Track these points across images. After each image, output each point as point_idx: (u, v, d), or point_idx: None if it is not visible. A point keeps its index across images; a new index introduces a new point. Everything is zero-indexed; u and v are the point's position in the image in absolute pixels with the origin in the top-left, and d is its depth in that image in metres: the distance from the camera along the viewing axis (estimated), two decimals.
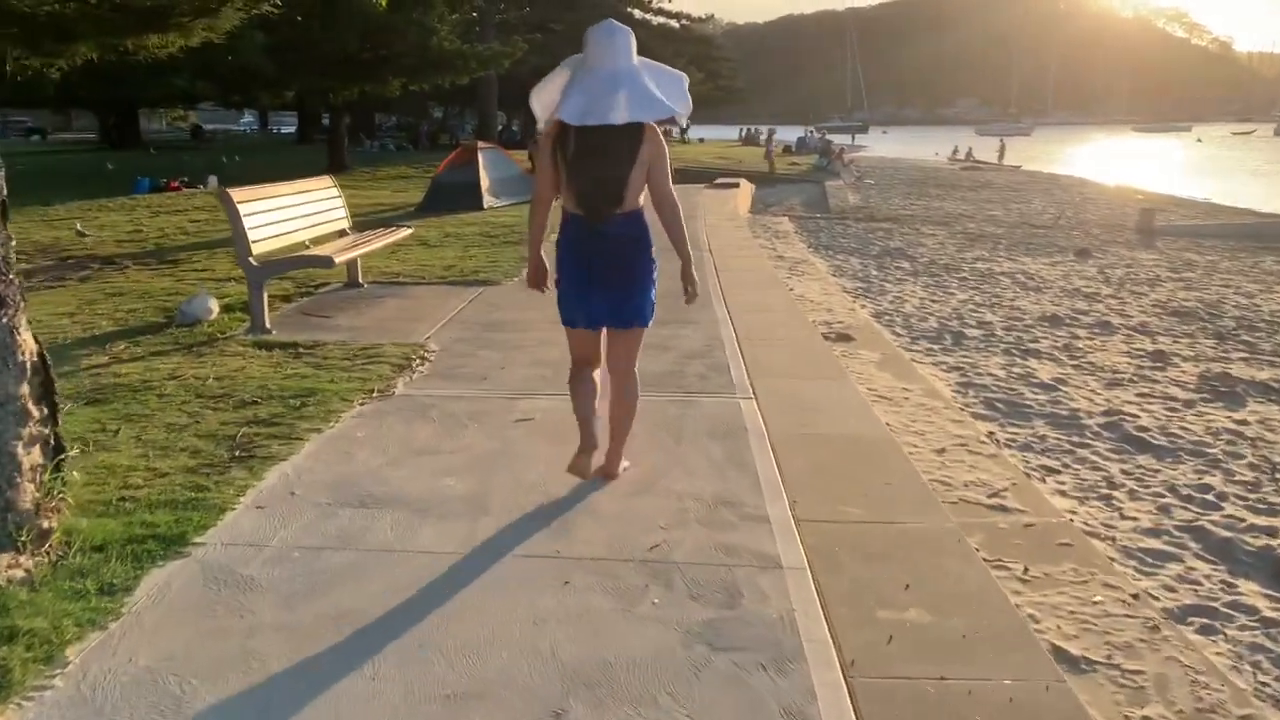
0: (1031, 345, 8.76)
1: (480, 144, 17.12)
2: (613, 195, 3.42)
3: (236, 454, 4.08)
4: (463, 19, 26.88)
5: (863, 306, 10.39)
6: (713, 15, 47.14)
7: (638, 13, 46.42)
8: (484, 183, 15.87)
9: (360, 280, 8.22)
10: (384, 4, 22.49)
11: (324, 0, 21.36)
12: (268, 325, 6.37)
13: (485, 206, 15.55)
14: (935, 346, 8.69)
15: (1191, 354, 8.61)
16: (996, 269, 13.57)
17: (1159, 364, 8.21)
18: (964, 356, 8.36)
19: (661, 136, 3.51)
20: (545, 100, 3.45)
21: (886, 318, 9.85)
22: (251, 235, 6.23)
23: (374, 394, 5.06)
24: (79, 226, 12.89)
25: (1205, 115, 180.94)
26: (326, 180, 8.05)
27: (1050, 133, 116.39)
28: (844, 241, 16.43)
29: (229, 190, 6.39)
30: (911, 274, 13.00)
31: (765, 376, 5.64)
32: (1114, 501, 5.03)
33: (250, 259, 6.22)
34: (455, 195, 15.53)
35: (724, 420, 4.79)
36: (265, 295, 6.37)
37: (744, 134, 53.18)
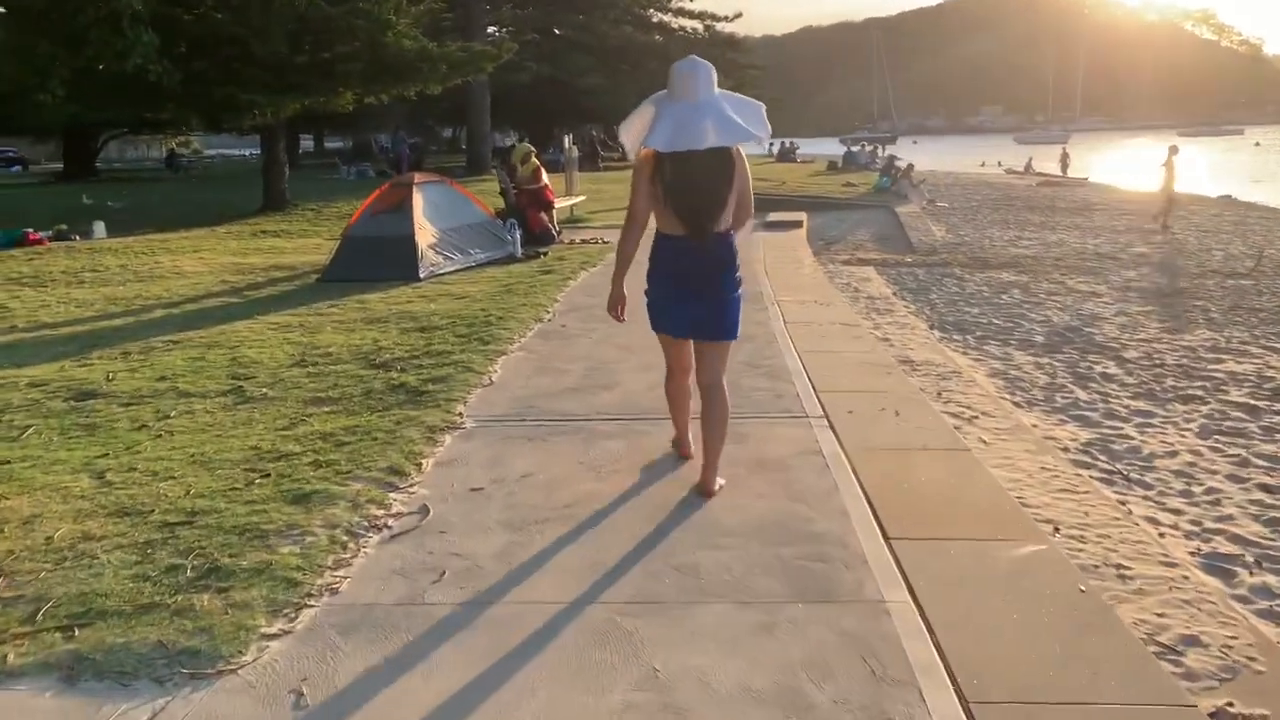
0: None
1: (418, 177, 11.18)
2: (713, 215, 3.62)
3: None
4: (433, 15, 21.36)
5: (1193, 558, 4.64)
6: (740, 14, 41.44)
7: (656, 14, 40.91)
8: (422, 238, 10.17)
9: None
10: None
11: None
12: None
13: (423, 276, 9.79)
14: None
15: None
16: (1275, 372, 7.88)
17: None
18: None
19: (746, 160, 3.67)
20: (634, 133, 3.66)
21: None
22: None
23: None
24: None
25: (1238, 118, 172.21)
26: None
27: (1085, 139, 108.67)
28: (972, 312, 10.75)
29: None
30: (1146, 394, 7.34)
31: None
32: None
33: None
34: (376, 258, 9.88)
35: None
36: None
37: (777, 149, 47.15)
